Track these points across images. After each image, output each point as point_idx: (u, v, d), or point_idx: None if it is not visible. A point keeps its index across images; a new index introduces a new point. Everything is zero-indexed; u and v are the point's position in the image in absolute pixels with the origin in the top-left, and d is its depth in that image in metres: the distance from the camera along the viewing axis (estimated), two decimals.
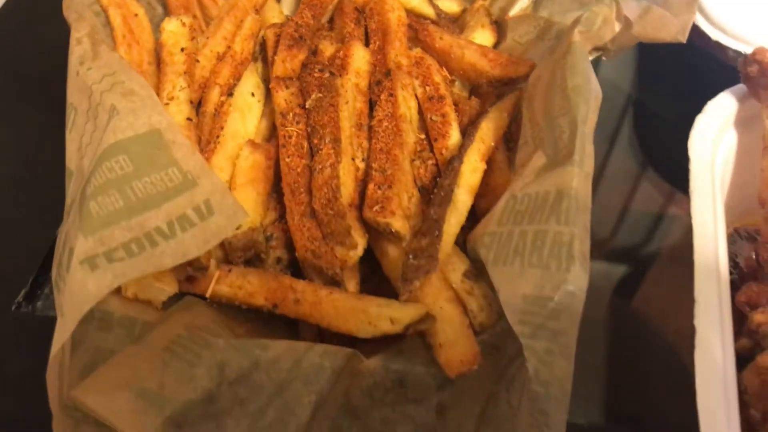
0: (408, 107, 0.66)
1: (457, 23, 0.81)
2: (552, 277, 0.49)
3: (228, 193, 0.50)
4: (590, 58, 0.67)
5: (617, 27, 0.60)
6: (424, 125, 0.69)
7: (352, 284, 0.60)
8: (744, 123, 0.67)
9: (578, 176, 0.52)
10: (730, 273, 0.70)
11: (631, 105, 0.94)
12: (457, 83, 0.75)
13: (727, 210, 0.69)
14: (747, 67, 0.63)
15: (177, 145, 0.52)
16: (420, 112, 0.69)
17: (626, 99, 0.94)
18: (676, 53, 0.77)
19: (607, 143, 0.89)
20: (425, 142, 0.68)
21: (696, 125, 0.64)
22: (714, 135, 0.64)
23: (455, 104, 0.71)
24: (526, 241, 0.52)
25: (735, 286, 0.67)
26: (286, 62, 0.66)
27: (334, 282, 0.58)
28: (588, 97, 0.55)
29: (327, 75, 0.65)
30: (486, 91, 0.74)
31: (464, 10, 0.83)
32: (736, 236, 0.73)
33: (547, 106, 0.57)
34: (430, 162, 0.66)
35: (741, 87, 0.67)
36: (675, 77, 0.93)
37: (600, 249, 0.82)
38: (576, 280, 0.49)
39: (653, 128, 0.90)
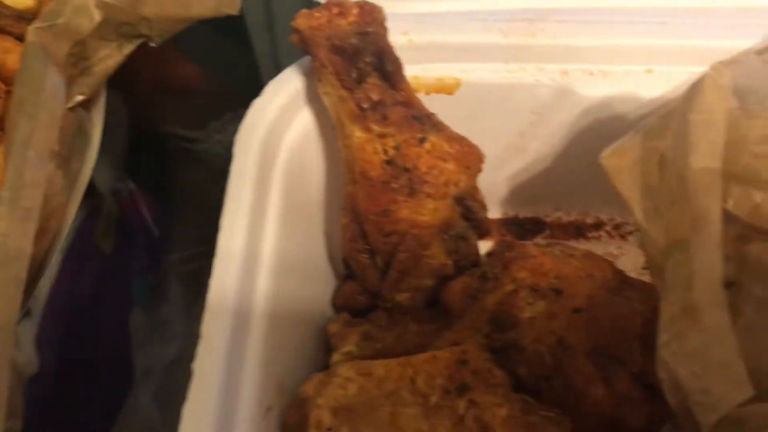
0: None
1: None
2: None
3: None
4: (129, 47, 0.57)
5: (98, 15, 0.49)
6: None
7: None
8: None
9: (7, 218, 0.41)
10: None
11: None
12: None
13: None
14: (292, 36, 0.54)
15: None
16: None
17: None
18: None
19: None
20: None
21: (248, 115, 0.54)
22: (273, 119, 0.54)
23: None
24: None
25: None
26: None
27: None
28: (35, 112, 0.44)
29: None
30: None
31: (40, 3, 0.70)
32: None
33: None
34: None
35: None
36: None
37: None
38: None
39: None
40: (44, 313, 0.66)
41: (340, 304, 0.57)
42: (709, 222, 0.44)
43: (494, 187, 0.64)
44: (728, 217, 0.52)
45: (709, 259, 0.43)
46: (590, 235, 0.64)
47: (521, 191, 0.65)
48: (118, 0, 0.49)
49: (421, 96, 0.59)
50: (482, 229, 0.56)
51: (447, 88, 0.59)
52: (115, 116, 0.83)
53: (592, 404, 0.48)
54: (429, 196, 0.50)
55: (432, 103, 0.59)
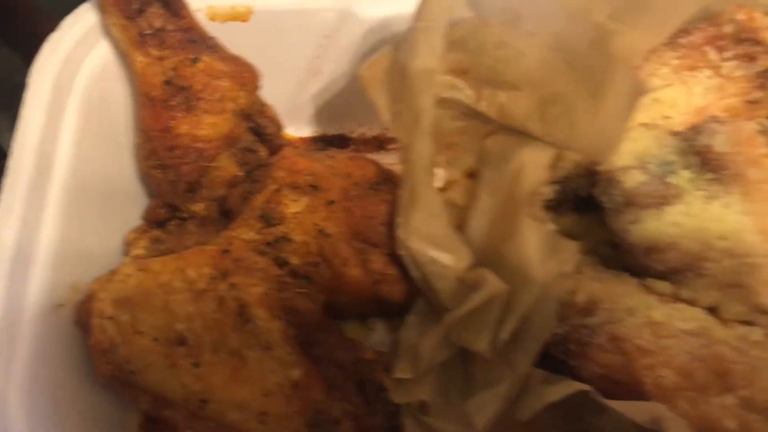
0: None
1: None
2: None
3: None
4: None
5: None
6: None
7: None
8: None
9: None
10: None
11: None
12: None
13: None
14: None
15: None
16: None
17: None
18: None
19: None
20: None
21: (42, 49, 0.58)
22: (69, 52, 0.59)
23: None
24: None
25: None
26: None
27: None
28: None
29: None
30: None
31: None
32: None
33: None
34: None
35: None
36: None
37: None
38: None
39: None
40: None
41: (146, 218, 0.62)
42: (424, 116, 0.50)
43: (300, 108, 0.70)
44: (484, 119, 0.59)
45: (422, 149, 0.50)
46: (390, 147, 0.71)
47: (325, 110, 0.70)
48: None
49: (218, 24, 0.64)
50: (274, 143, 0.62)
51: (240, 16, 0.64)
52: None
53: (353, 283, 0.55)
54: (206, 111, 0.56)
55: (232, 33, 0.64)
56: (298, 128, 0.71)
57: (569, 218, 0.61)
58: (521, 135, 0.56)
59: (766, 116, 0.63)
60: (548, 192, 0.59)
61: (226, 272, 0.50)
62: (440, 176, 0.57)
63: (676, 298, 0.52)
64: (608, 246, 0.60)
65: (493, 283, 0.49)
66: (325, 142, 0.71)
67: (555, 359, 0.53)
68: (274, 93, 0.65)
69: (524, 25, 0.54)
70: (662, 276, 0.53)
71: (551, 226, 0.60)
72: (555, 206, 0.61)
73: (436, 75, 0.51)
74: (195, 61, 0.55)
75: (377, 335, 0.59)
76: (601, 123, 0.51)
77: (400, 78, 0.53)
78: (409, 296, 0.55)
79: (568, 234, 0.61)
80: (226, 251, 0.51)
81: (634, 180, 0.53)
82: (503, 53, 0.55)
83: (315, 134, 0.72)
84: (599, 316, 0.51)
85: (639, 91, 0.49)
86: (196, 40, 0.57)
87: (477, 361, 0.52)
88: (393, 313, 0.57)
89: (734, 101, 0.60)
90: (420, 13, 0.52)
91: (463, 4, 0.54)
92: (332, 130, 0.72)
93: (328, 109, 0.70)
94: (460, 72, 0.57)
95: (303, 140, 0.71)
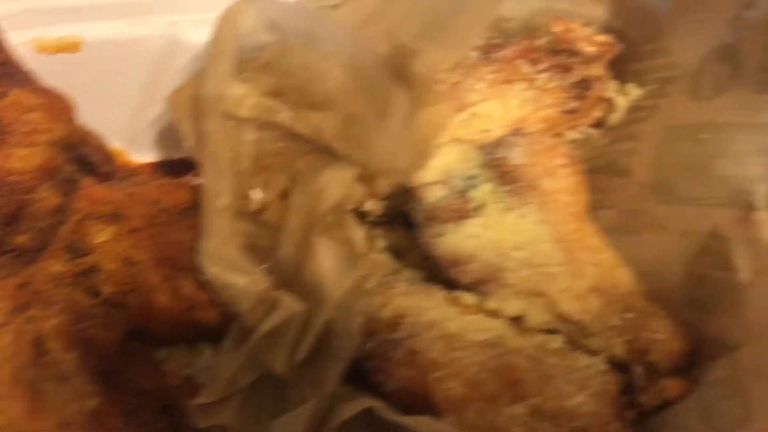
0: None
1: None
2: None
3: None
4: None
5: None
6: None
7: None
8: None
9: None
10: None
11: None
12: None
13: None
14: None
15: None
16: None
17: None
18: None
19: None
20: None
21: None
22: None
23: None
24: None
25: None
26: None
27: None
28: None
29: None
30: None
31: None
32: None
33: None
34: None
35: None
36: None
37: None
38: None
39: None
40: None
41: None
42: (210, 141, 0.51)
43: (142, 134, 0.71)
44: (304, 140, 0.60)
45: (209, 174, 0.51)
46: None
47: (166, 135, 0.71)
48: None
49: (49, 57, 0.65)
50: (101, 171, 0.62)
51: (70, 47, 0.65)
52: None
53: (163, 310, 0.55)
54: (17, 144, 0.56)
55: (64, 64, 0.64)
56: (142, 154, 0.72)
57: (398, 233, 0.62)
58: (331, 155, 0.57)
59: (588, 124, 0.65)
60: (376, 209, 0.60)
61: (25, 305, 0.51)
62: (257, 198, 0.58)
63: (480, 310, 0.53)
64: None
65: (287, 304, 0.50)
66: (168, 166, 0.71)
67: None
68: (113, 121, 0.66)
69: (322, 47, 0.55)
70: (469, 288, 0.54)
71: (381, 242, 0.61)
72: (385, 222, 0.62)
73: (223, 100, 0.52)
74: (3, 95, 0.56)
75: (204, 360, 0.59)
76: (386, 141, 0.52)
77: (197, 104, 0.54)
78: (225, 320, 0.55)
79: (398, 249, 0.62)
80: (26, 284, 0.51)
81: (434, 195, 0.54)
82: (308, 75, 0.57)
83: (159, 159, 0.72)
84: (402, 330, 0.52)
85: (416, 110, 0.50)
86: (8, 74, 0.57)
87: (291, 382, 0.53)
88: (215, 337, 0.57)
89: (551, 112, 0.62)
90: (211, 42, 0.53)
91: (261, 29, 0.55)
92: (177, 155, 0.72)
93: (168, 134, 0.70)
94: (276, 94, 0.58)
95: (148, 165, 0.71)
